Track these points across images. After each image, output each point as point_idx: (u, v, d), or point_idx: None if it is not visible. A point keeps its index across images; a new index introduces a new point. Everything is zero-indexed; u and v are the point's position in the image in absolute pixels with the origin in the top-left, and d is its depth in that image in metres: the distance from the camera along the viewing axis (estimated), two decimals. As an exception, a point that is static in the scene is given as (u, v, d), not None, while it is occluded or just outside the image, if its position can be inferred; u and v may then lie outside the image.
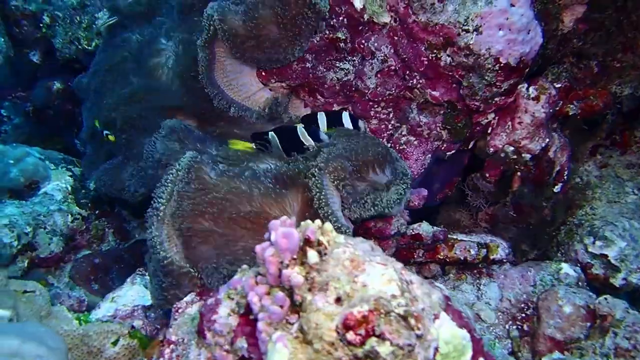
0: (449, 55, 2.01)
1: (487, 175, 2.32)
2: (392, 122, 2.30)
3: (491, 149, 2.22)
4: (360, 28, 2.14)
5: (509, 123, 2.17)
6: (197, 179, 1.81)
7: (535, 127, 2.14)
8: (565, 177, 2.28)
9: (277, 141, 2.10)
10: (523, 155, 2.19)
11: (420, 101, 2.19)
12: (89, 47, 3.10)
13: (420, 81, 2.13)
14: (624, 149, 2.50)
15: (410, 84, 2.15)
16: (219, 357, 1.27)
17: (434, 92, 2.13)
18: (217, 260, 1.75)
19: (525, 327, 2.10)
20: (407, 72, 2.14)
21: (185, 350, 1.38)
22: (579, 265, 2.22)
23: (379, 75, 2.16)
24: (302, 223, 1.17)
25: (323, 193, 1.80)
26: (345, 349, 1.02)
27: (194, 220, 1.78)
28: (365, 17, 2.10)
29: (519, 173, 2.27)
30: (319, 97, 2.31)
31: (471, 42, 1.93)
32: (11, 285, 1.80)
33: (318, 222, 1.15)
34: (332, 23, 2.15)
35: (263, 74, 2.28)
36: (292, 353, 1.06)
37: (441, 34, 1.97)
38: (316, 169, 1.83)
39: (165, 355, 1.40)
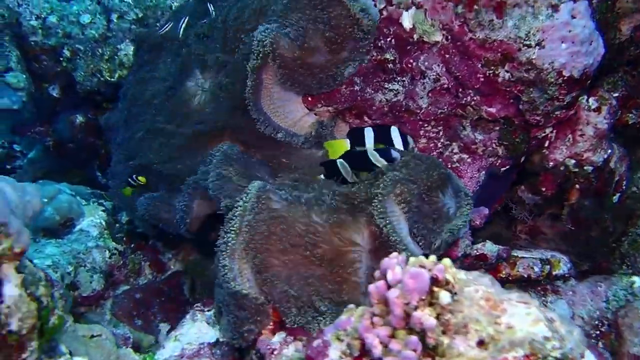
0: (507, 71, 1.96)
1: (544, 189, 2.26)
2: (442, 140, 2.25)
3: (551, 163, 2.17)
4: (408, 48, 2.09)
5: (570, 136, 2.12)
6: (267, 209, 1.75)
7: (598, 138, 2.10)
8: (624, 187, 2.24)
9: (348, 167, 2.05)
10: (585, 167, 2.14)
11: (473, 118, 2.14)
12: (112, 79, 3.04)
13: (475, 98, 2.08)
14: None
15: (463, 102, 2.10)
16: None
17: (490, 109, 2.08)
18: (295, 292, 1.69)
19: (600, 345, 2.04)
20: (460, 89, 2.08)
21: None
22: (651, 277, 2.17)
23: (430, 95, 2.11)
24: (422, 260, 1.11)
25: (389, 220, 1.75)
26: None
27: (266, 251, 1.72)
28: (415, 37, 2.05)
29: (577, 185, 2.22)
30: (366, 119, 2.26)
31: (533, 57, 1.88)
32: (79, 331, 1.73)
33: (447, 261, 1.09)
34: (379, 44, 2.11)
35: (309, 99, 2.23)
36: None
37: (500, 50, 1.92)
38: (380, 195, 1.78)
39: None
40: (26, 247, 1.25)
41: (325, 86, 2.12)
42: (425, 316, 1.05)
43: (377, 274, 1.17)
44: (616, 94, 2.13)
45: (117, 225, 2.83)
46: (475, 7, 1.90)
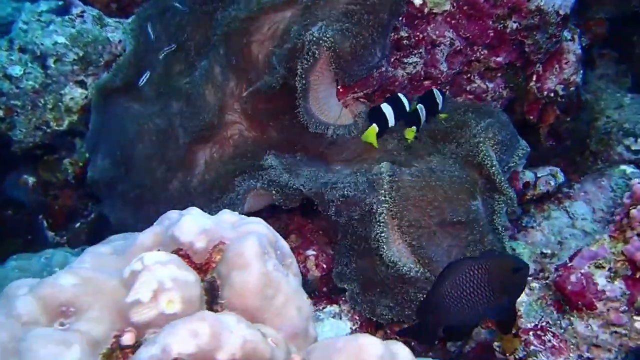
0: (514, 22, 2.27)
1: (531, 117, 2.65)
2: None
3: (545, 92, 2.55)
4: (419, 22, 2.30)
5: (556, 66, 2.52)
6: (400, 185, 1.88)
7: (577, 63, 2.53)
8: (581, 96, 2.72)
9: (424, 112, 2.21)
10: (571, 89, 2.56)
11: (481, 70, 2.43)
12: (61, 128, 2.78)
13: (483, 52, 2.37)
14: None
15: (473, 58, 2.38)
16: (617, 319, 1.42)
17: (497, 58, 2.38)
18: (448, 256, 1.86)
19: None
20: (469, 48, 2.36)
21: (553, 329, 1.49)
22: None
23: (448, 59, 2.36)
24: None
25: (495, 165, 2.00)
26: None
27: (418, 226, 1.85)
28: (426, 10, 2.27)
29: (555, 106, 2.65)
30: (388, 96, 2.42)
31: (542, 4, 2.22)
32: None
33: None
34: (395, 24, 2.29)
35: (341, 90, 2.32)
36: None
37: (509, 4, 2.23)
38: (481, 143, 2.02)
39: (535, 342, 1.50)
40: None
41: (369, 69, 2.24)
42: None
43: (626, 200, 1.41)
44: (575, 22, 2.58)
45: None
46: (487, -28, 2.18)
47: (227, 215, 1.28)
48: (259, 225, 1.23)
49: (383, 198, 1.85)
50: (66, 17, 2.74)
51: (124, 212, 2.49)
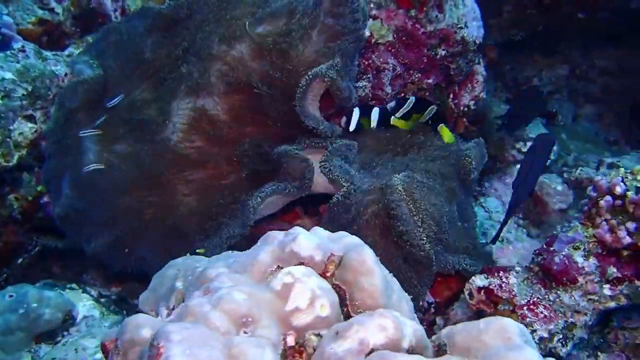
0: (443, 49, 2.70)
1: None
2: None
3: (461, 107, 3.01)
4: (364, 51, 2.64)
5: (469, 85, 2.98)
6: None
7: (484, 81, 3.01)
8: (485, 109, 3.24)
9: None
10: (479, 104, 3.05)
11: (415, 90, 2.83)
12: (9, 164, 2.72)
13: (417, 75, 2.77)
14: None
15: (409, 81, 2.77)
16: (593, 288, 1.85)
17: (428, 80, 2.80)
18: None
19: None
20: (406, 72, 2.74)
21: (544, 303, 1.89)
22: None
23: (391, 82, 2.72)
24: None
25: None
26: None
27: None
28: (373, 41, 2.62)
29: (465, 118, 3.12)
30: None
31: (465, 34, 2.67)
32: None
33: None
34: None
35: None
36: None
37: (440, 35, 2.65)
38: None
39: (529, 315, 1.89)
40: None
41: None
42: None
43: (592, 194, 1.85)
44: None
45: (104, 299, 2.68)
46: (425, 9, 2.57)
47: (321, 230, 1.51)
48: (352, 236, 1.49)
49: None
50: (8, 52, 2.69)
51: (101, 242, 2.51)
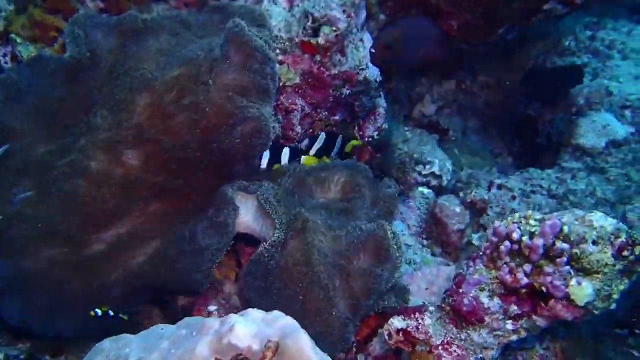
0: (347, 89, 2.84)
1: (353, 157, 3.26)
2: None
3: (366, 138, 3.17)
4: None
5: (372, 117, 3.15)
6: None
7: (385, 113, 3.19)
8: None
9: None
10: (382, 133, 3.22)
11: (323, 126, 2.95)
12: None
13: (325, 113, 2.89)
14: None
15: (317, 118, 2.89)
16: (497, 325, 2.05)
17: (335, 117, 2.95)
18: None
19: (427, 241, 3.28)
20: (314, 111, 2.86)
21: (457, 342, 2.08)
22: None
23: (300, 122, 2.82)
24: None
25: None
26: None
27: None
28: (281, 84, 2.71)
29: (369, 146, 3.30)
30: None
31: (367, 74, 2.82)
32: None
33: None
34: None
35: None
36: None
37: (344, 76, 2.79)
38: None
39: (444, 354, 2.08)
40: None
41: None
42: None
43: (493, 238, 2.05)
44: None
45: None
46: (329, 53, 2.69)
47: (255, 313, 1.60)
48: (286, 317, 1.58)
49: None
50: None
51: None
